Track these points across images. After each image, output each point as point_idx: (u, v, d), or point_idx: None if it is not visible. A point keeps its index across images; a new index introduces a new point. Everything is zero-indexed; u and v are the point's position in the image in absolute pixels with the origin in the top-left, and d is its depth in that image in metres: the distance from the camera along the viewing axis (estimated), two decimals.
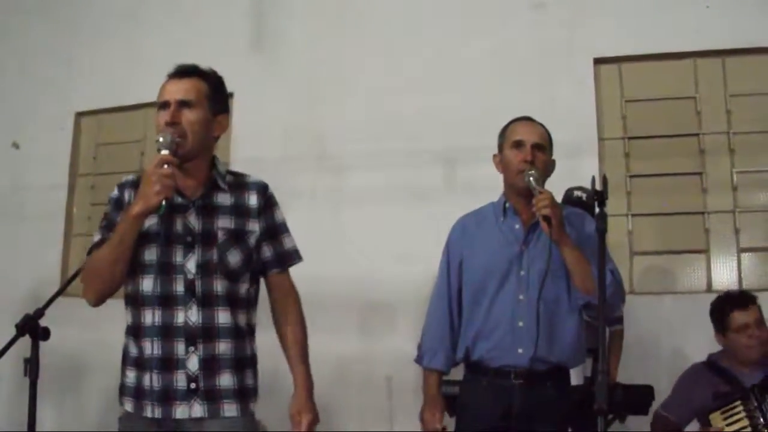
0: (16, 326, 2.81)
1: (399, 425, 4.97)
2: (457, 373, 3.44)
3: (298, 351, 2.85)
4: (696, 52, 5.17)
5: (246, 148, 5.82)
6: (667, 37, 5.15)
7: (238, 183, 2.84)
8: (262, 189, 2.86)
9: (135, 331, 2.73)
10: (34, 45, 6.60)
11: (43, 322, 2.92)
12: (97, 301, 2.73)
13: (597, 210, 2.70)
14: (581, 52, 5.28)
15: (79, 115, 6.54)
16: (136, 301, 2.73)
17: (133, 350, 2.73)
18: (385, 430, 5.07)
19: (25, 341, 2.90)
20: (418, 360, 3.46)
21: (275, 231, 2.87)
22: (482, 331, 3.21)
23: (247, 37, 6.08)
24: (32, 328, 2.82)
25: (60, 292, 2.98)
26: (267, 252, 2.85)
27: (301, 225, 5.02)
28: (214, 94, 2.78)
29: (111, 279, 2.67)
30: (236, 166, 5.59)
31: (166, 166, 2.54)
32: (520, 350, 3.12)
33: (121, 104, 5.96)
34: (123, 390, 2.76)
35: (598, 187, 2.72)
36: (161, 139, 2.60)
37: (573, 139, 4.50)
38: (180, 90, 2.71)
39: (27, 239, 6.15)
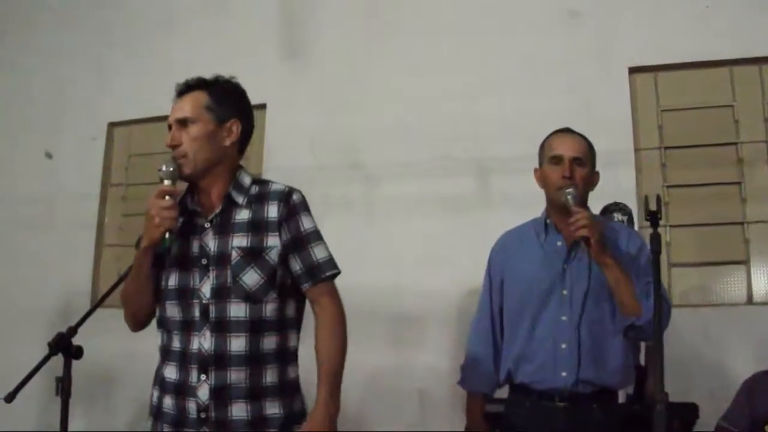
0: (49, 344, 2.76)
1: None
2: (503, 390, 3.37)
3: (325, 370, 2.62)
4: (732, 60, 5.07)
5: (278, 158, 5.80)
6: (703, 45, 5.06)
7: (260, 194, 2.71)
8: (284, 197, 2.69)
9: (163, 353, 2.70)
10: (66, 55, 6.62)
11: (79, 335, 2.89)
12: (136, 327, 2.78)
13: (651, 231, 2.60)
14: (616, 61, 5.20)
15: (112, 125, 6.54)
16: (163, 325, 2.70)
17: (161, 371, 2.69)
18: None
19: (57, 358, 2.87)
20: (461, 382, 3.37)
21: (301, 241, 2.67)
22: (524, 353, 3.12)
23: (278, 47, 6.06)
24: (65, 346, 2.78)
25: (93, 310, 2.94)
26: (295, 265, 2.67)
27: (333, 235, 5.01)
28: (218, 102, 2.70)
29: (139, 308, 2.71)
30: (269, 176, 5.59)
31: (167, 197, 2.50)
32: (563, 373, 3.02)
33: (154, 115, 5.92)
34: (150, 408, 2.73)
35: (651, 207, 2.61)
36: (163, 168, 2.57)
37: (609, 149, 4.41)
38: (179, 109, 2.68)
39: (58, 249, 6.16)
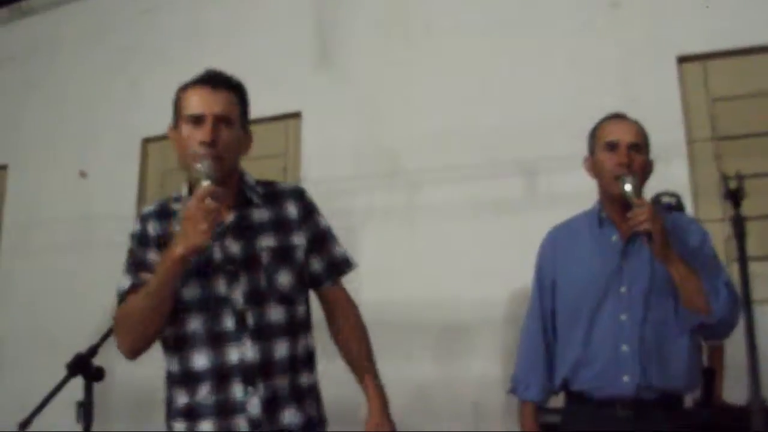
0: (67, 366, 2.62)
1: None
2: (558, 398, 3.17)
3: (367, 364, 2.59)
4: None
5: (316, 168, 5.67)
6: (755, 29, 4.83)
7: (272, 193, 2.59)
8: (299, 195, 2.62)
9: (183, 378, 2.44)
10: (97, 72, 6.62)
11: (110, 357, 2.72)
12: (134, 353, 2.44)
13: (733, 213, 2.45)
14: (663, 51, 5.00)
15: (146, 141, 6.49)
16: (181, 344, 2.44)
17: (182, 399, 2.44)
18: None
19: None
20: (512, 391, 3.17)
21: (322, 239, 2.61)
22: (581, 358, 2.91)
23: (312, 55, 5.94)
24: (84, 367, 2.63)
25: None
26: (316, 264, 2.59)
27: (375, 245, 4.92)
28: (244, 110, 2.56)
29: (149, 329, 2.39)
30: (307, 187, 5.53)
31: (209, 200, 2.25)
32: (625, 378, 2.81)
33: None
34: None
35: (731, 185, 2.44)
36: (200, 168, 2.33)
37: (659, 143, 4.23)
38: (218, 103, 2.45)
39: (94, 268, 6.07)
